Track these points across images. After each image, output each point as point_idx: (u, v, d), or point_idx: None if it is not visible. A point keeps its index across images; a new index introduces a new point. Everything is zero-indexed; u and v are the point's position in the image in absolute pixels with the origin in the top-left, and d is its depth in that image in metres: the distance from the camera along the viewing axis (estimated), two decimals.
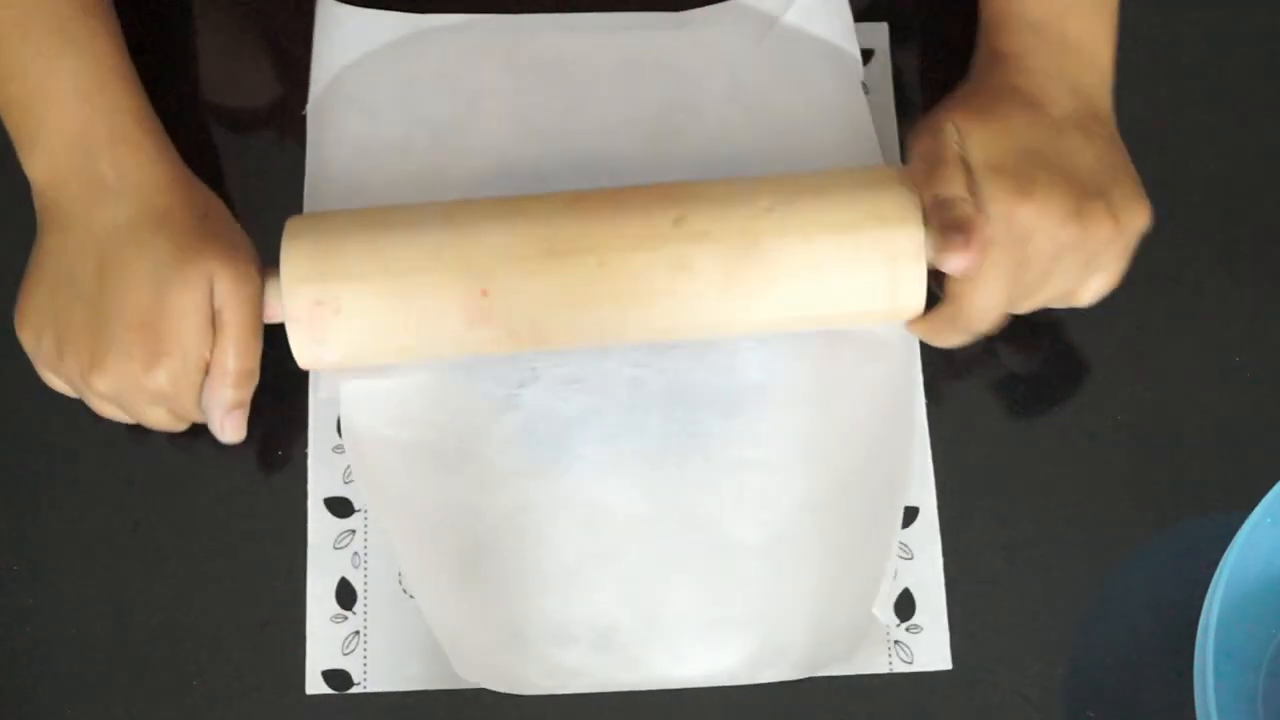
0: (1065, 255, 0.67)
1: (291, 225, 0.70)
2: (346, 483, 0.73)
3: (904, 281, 0.69)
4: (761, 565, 0.71)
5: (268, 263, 0.70)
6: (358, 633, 0.71)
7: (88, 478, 0.73)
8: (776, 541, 0.71)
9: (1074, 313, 0.75)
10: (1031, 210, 0.66)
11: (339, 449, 0.73)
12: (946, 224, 0.66)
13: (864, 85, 0.78)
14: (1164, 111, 0.77)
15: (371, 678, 0.70)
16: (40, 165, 0.70)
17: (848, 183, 0.70)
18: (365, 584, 0.71)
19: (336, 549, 0.72)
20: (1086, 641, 0.69)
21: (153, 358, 0.67)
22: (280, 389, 0.74)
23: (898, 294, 0.69)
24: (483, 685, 0.68)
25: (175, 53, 0.80)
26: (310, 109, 0.77)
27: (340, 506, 0.73)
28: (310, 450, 0.73)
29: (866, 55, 0.79)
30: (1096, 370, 0.75)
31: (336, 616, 0.71)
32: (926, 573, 0.71)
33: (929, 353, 0.74)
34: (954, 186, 0.67)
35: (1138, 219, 0.68)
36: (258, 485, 0.73)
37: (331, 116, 0.77)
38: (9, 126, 0.70)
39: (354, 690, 0.70)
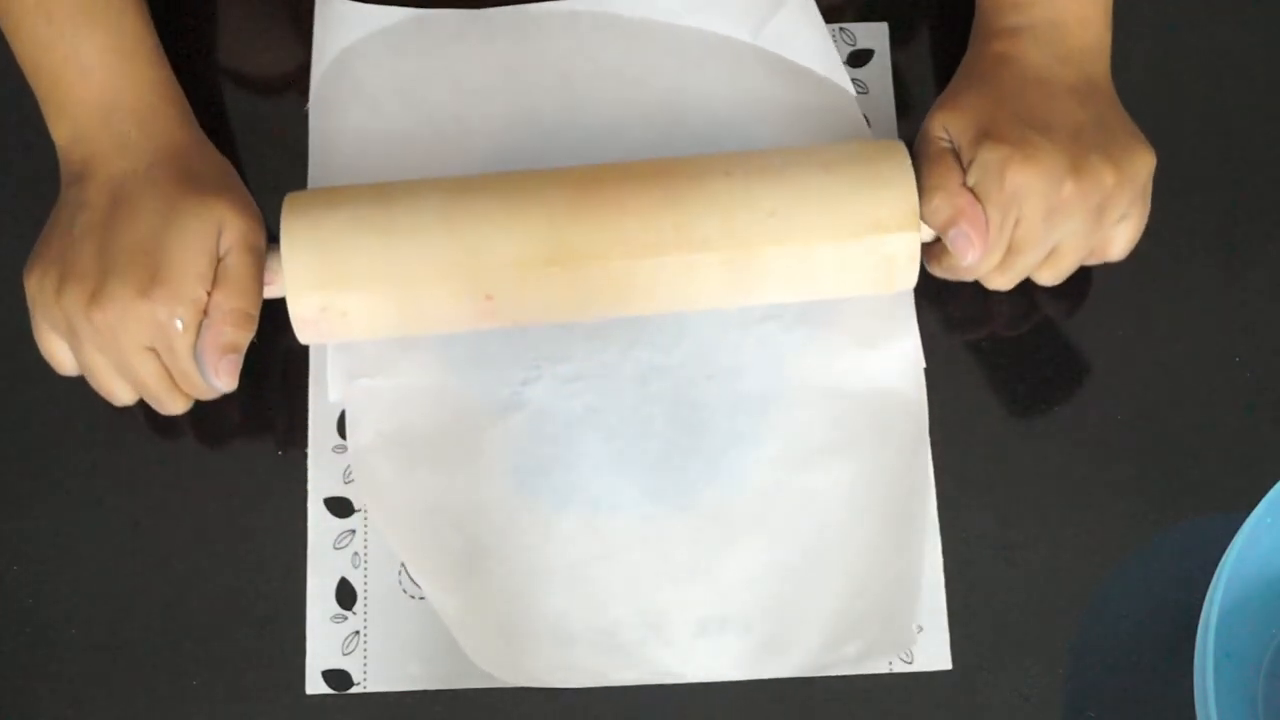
0: (1068, 210, 0.67)
1: (288, 222, 0.69)
2: (346, 483, 0.73)
3: (899, 280, 0.71)
4: (766, 564, 0.71)
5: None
6: (358, 633, 0.71)
7: (88, 478, 0.73)
8: (783, 540, 0.71)
9: (1073, 313, 0.75)
10: (1023, 168, 0.66)
11: (339, 449, 0.73)
12: (946, 221, 0.68)
13: (861, 82, 0.78)
14: (1164, 111, 0.77)
15: (371, 678, 0.70)
16: (65, 129, 0.71)
17: (848, 180, 0.70)
18: (365, 584, 0.71)
19: (336, 549, 0.72)
20: (1086, 641, 0.69)
21: (150, 282, 0.67)
22: (280, 389, 0.74)
23: (892, 288, 0.72)
24: (490, 672, 0.69)
25: (188, 20, 0.80)
26: (312, 102, 0.77)
27: (340, 506, 0.73)
28: (310, 450, 0.73)
29: (867, 55, 0.80)
30: (1096, 370, 0.75)
31: (336, 616, 0.71)
32: (926, 573, 0.71)
33: (929, 353, 0.74)
34: (942, 178, 0.68)
35: (1140, 163, 0.69)
36: (258, 485, 0.73)
37: (334, 110, 0.77)
38: (37, 93, 0.72)
39: (354, 690, 0.70)
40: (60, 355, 0.70)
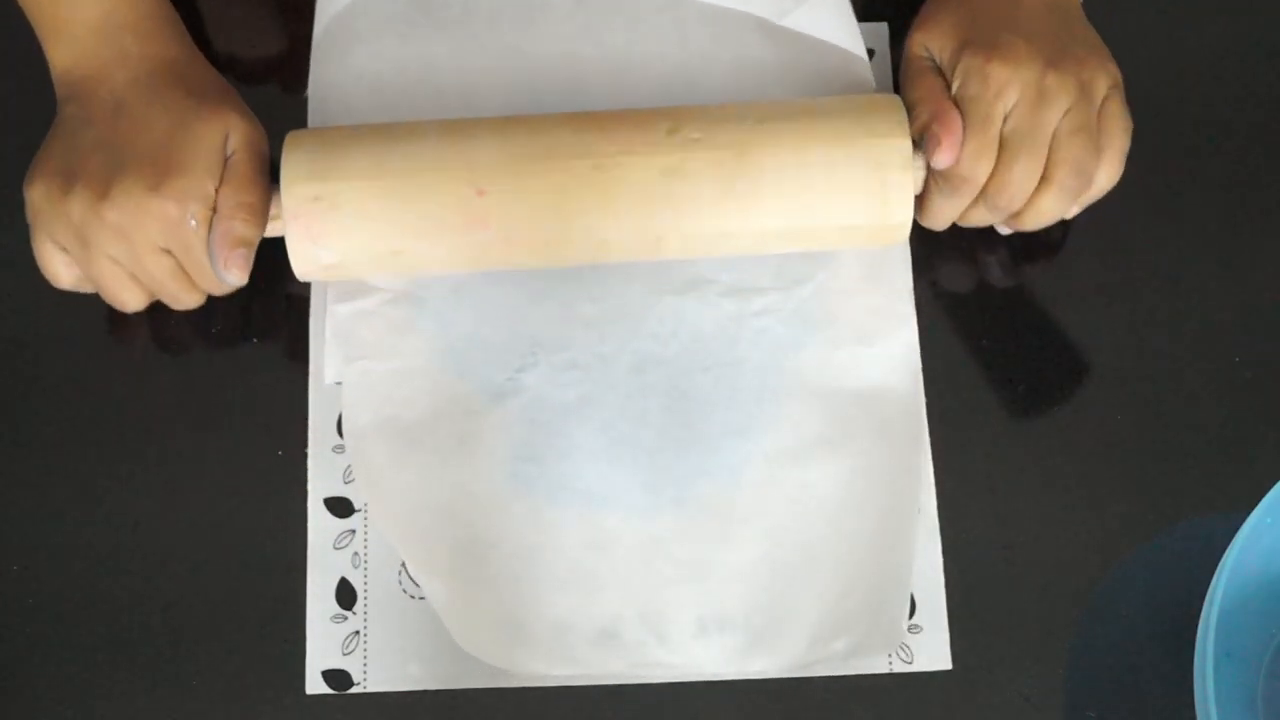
0: (1054, 94, 0.69)
1: (292, 135, 0.72)
2: (346, 482, 0.73)
3: (893, 192, 0.71)
4: (759, 559, 0.71)
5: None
6: (358, 633, 0.71)
7: (88, 478, 0.73)
8: (776, 535, 0.71)
9: (1073, 312, 0.75)
10: (1004, 65, 0.69)
11: (339, 449, 0.73)
12: (922, 125, 0.70)
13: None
14: (1164, 111, 0.77)
15: (371, 678, 0.70)
16: (63, 51, 0.72)
17: (840, 102, 0.73)
18: (365, 584, 0.71)
19: (336, 549, 0.72)
20: (1086, 641, 0.69)
21: (160, 179, 0.68)
22: (281, 388, 0.74)
23: (888, 207, 0.71)
24: (480, 658, 0.69)
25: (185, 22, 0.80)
26: (313, 83, 0.78)
27: (340, 506, 0.73)
28: (310, 450, 0.73)
29: (867, 55, 0.79)
30: (1096, 370, 0.75)
31: (336, 616, 0.71)
32: (926, 573, 0.71)
33: (928, 350, 0.74)
34: (926, 91, 0.71)
35: (1108, 66, 0.71)
36: (258, 485, 0.73)
37: (335, 91, 0.77)
38: (34, 22, 0.73)
39: (354, 690, 0.70)
40: (60, 268, 0.71)
